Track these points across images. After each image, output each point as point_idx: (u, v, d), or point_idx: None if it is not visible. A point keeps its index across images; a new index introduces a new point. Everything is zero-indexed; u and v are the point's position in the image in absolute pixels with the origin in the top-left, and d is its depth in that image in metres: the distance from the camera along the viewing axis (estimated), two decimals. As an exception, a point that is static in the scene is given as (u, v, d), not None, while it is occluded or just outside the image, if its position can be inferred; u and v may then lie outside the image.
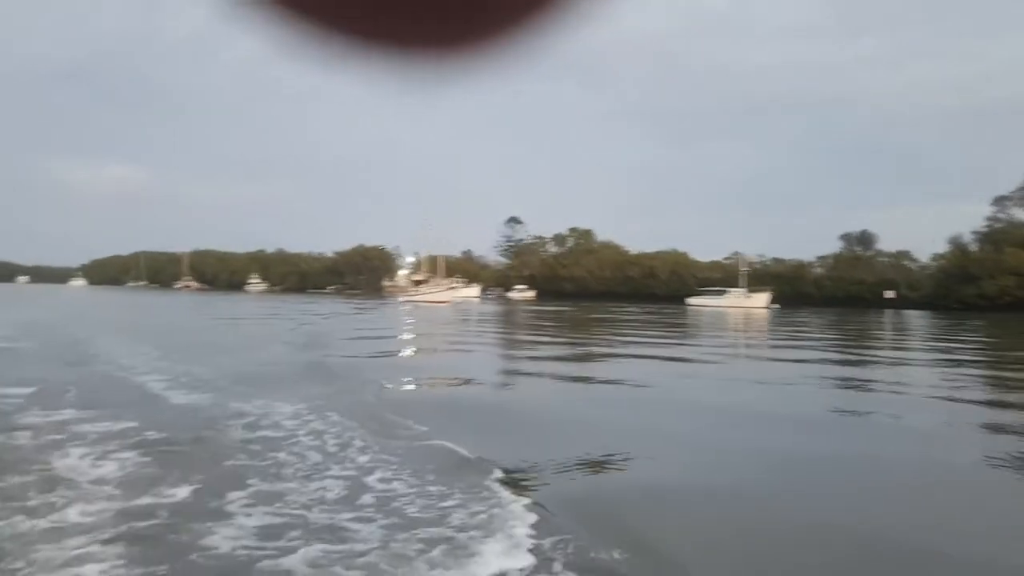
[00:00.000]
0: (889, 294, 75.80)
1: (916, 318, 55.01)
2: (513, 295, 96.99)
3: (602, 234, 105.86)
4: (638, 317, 43.91)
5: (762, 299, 68.46)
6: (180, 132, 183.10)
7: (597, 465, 6.40)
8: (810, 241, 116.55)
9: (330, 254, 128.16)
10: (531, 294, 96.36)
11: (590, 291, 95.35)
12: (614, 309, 56.70)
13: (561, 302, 75.63)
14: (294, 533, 4.35)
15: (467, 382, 12.35)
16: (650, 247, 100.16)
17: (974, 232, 78.81)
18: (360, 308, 49.46)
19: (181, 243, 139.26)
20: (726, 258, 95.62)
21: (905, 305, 74.64)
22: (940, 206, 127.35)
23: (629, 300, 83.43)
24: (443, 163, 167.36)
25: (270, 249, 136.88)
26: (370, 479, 5.58)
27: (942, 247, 79.97)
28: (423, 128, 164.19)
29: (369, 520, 4.62)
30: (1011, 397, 12.26)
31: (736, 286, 74.95)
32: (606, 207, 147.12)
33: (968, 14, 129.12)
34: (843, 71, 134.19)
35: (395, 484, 5.44)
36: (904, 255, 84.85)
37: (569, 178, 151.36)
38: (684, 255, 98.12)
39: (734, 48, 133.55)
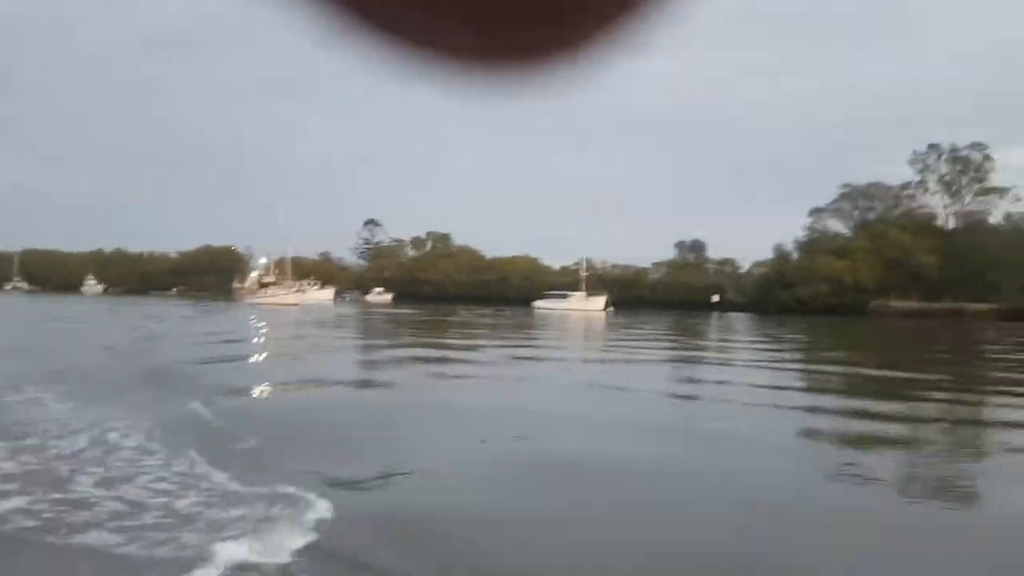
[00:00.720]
0: (715, 298, 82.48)
1: (738, 320, 60.66)
2: (371, 298, 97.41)
3: (461, 238, 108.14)
4: (482, 320, 46.10)
5: (599, 303, 72.84)
6: (15, 120, 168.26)
7: (393, 478, 6.26)
8: (659, 247, 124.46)
9: (174, 254, 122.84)
10: (388, 297, 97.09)
11: (447, 294, 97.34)
12: (463, 312, 58.98)
13: (418, 305, 77.10)
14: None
15: (270, 384, 12.59)
16: (508, 252, 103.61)
17: (796, 241, 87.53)
18: (202, 311, 48.71)
19: (12, 242, 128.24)
20: (576, 264, 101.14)
21: (730, 308, 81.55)
22: (787, 215, 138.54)
23: (484, 303, 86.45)
24: (308, 163, 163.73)
25: (109, 249, 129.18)
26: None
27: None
28: (292, 128, 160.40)
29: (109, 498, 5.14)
30: (824, 400, 12.92)
31: (592, 291, 79.49)
32: (466, 211, 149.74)
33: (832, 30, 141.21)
34: (692, 85, 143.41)
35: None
36: (728, 262, 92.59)
37: (433, 182, 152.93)
38: (536, 260, 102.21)
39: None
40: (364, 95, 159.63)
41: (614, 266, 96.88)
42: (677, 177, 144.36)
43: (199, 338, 22.89)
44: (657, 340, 29.83)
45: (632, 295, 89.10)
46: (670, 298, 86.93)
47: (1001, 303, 70.74)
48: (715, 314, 73.69)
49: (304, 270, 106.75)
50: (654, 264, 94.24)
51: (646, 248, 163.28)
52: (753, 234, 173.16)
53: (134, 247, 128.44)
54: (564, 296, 75.87)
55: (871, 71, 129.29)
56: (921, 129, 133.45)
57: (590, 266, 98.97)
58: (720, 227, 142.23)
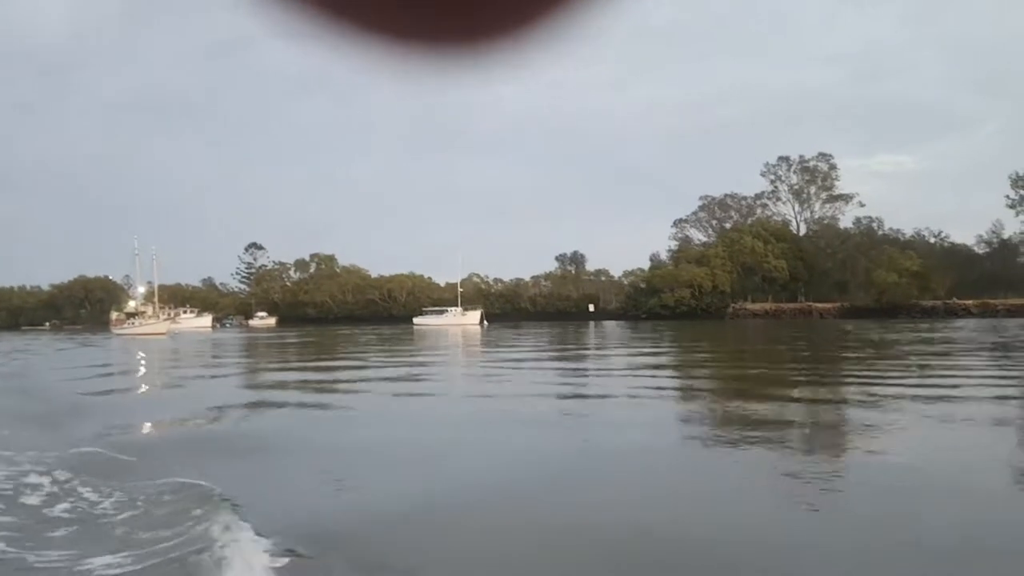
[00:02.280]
0: (591, 308, 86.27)
1: (603, 327, 64.00)
2: (254, 322, 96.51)
3: (349, 258, 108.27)
4: (362, 337, 47.15)
5: (475, 316, 75.14)
6: None
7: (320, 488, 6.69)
8: (544, 260, 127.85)
9: (47, 288, 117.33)
10: (272, 320, 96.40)
11: (332, 315, 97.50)
12: (343, 331, 59.98)
13: (301, 327, 77.31)
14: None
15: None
16: (398, 269, 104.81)
17: (669, 250, 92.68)
18: (67, 344, 47.72)
19: None
20: (464, 279, 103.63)
21: (604, 316, 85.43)
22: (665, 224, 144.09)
23: (369, 322, 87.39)
24: (191, 190, 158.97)
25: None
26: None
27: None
28: (175, 154, 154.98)
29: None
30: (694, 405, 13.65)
31: (468, 305, 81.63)
32: (354, 232, 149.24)
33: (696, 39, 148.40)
34: (575, 92, 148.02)
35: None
36: (603, 272, 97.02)
37: (318, 203, 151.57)
38: (422, 277, 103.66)
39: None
40: (247, 118, 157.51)
41: (496, 280, 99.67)
42: (563, 191, 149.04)
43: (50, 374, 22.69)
44: (512, 347, 32.11)
45: (514, 308, 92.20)
46: (550, 309, 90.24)
47: (845, 301, 77.43)
48: (591, 323, 77.20)
49: (184, 297, 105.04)
50: (532, 277, 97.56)
51: (532, 261, 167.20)
52: (635, 244, 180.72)
53: (3, 282, 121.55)
54: (442, 312, 77.94)
55: (753, 76, 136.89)
56: (792, 135, 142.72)
57: (476, 281, 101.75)
58: (603, 238, 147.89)
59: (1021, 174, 74.88)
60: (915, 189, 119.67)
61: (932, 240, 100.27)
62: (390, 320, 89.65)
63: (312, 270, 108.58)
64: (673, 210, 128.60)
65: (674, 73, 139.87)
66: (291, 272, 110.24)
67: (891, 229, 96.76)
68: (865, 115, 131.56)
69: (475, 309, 77.71)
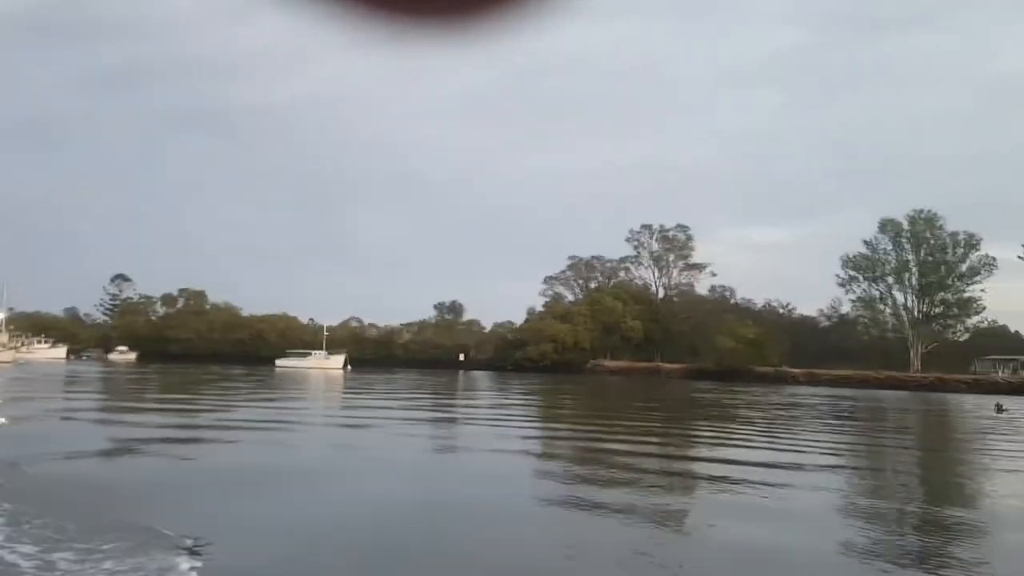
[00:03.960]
0: (462, 357, 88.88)
1: (476, 376, 66.66)
2: (113, 356, 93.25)
3: (222, 295, 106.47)
4: (209, 378, 47.45)
5: (339, 361, 76.18)
6: None
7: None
8: (424, 307, 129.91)
9: None
10: (132, 356, 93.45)
11: (198, 352, 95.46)
12: (200, 372, 59.60)
13: (163, 364, 75.75)
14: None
15: None
16: (275, 309, 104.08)
17: (544, 305, 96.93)
18: None
19: None
20: (342, 323, 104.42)
21: (474, 366, 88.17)
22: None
23: (237, 362, 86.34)
24: (59, 215, 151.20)
25: None
26: None
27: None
28: (44, 177, 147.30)
29: None
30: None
31: (333, 349, 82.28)
32: (231, 269, 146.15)
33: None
34: (464, 155, 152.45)
35: None
36: (474, 323, 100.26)
37: (192, 237, 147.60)
38: (294, 319, 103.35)
39: (380, 121, 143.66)
40: (119, 146, 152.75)
41: (371, 325, 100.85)
42: (451, 242, 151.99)
43: None
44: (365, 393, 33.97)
45: (387, 354, 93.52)
46: (422, 357, 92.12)
47: (694, 363, 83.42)
48: (460, 372, 79.68)
49: (43, 326, 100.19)
50: (405, 324, 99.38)
51: (414, 308, 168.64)
52: (517, 297, 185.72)
53: None
54: (305, 355, 78.41)
55: (643, 150, 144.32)
56: (672, 204, 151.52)
57: (354, 326, 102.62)
58: (486, 290, 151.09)
59: (851, 255, 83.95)
60: (785, 261, 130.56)
61: (781, 311, 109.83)
62: (258, 361, 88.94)
63: (180, 305, 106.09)
64: (552, 267, 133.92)
65: (568, 143, 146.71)
66: (157, 306, 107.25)
67: (743, 299, 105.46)
68: (743, 192, 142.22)
69: (339, 353, 78.59)
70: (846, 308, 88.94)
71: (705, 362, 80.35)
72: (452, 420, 23.40)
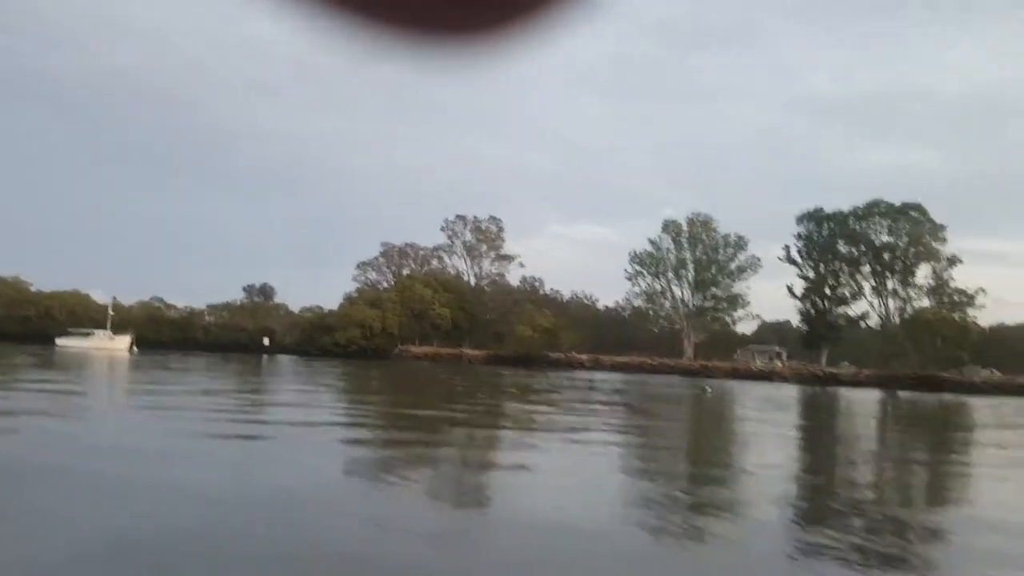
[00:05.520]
0: (266, 341, 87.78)
1: (277, 361, 66.33)
2: None
3: (13, 269, 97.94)
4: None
5: (124, 342, 73.28)
6: None
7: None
8: (232, 290, 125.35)
9: None
10: None
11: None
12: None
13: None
14: None
15: None
16: (79, 287, 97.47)
17: (358, 290, 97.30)
18: None
19: None
20: (143, 303, 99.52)
21: (279, 351, 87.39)
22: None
23: (22, 340, 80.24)
24: None
25: None
26: None
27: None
28: None
29: None
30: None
31: (129, 329, 78.67)
32: (28, 241, 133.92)
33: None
34: (308, 142, 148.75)
35: None
36: (281, 307, 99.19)
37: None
38: (86, 296, 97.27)
39: (205, 96, 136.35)
40: None
41: (168, 305, 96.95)
42: (266, 223, 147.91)
43: None
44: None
45: (185, 336, 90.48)
46: (224, 340, 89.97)
47: (500, 350, 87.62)
48: (264, 356, 78.75)
49: None
50: (208, 306, 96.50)
51: (225, 290, 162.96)
52: (333, 283, 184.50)
53: None
54: (88, 334, 74.63)
55: (481, 148, 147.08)
56: (507, 200, 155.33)
57: (157, 306, 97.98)
58: (303, 275, 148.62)
59: (637, 252, 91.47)
60: (609, 257, 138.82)
61: (586, 302, 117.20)
62: (46, 340, 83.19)
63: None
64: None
65: (411, 136, 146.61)
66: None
67: (552, 290, 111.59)
68: (571, 189, 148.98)
69: (125, 334, 75.44)
70: (639, 301, 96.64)
71: (505, 349, 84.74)
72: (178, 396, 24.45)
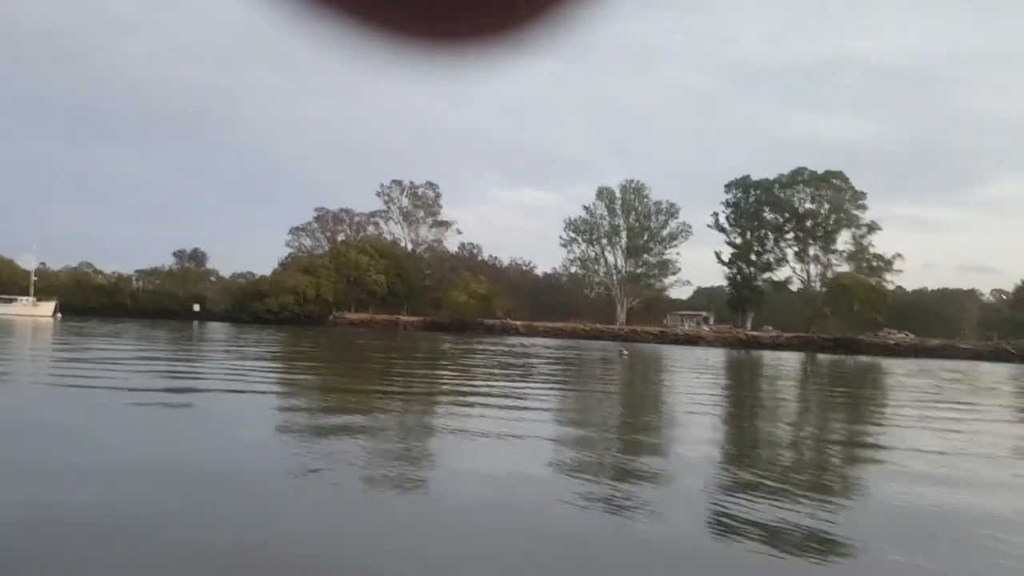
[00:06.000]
0: (196, 307, 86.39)
1: (213, 329, 65.27)
2: None
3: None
4: None
5: (48, 308, 71.52)
6: None
7: None
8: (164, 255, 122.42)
9: None
10: None
11: None
12: None
13: None
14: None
15: None
16: (7, 252, 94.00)
17: (291, 256, 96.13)
18: None
19: None
20: (70, 268, 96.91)
21: (211, 317, 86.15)
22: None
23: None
24: None
25: None
26: None
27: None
28: None
29: None
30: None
31: (53, 296, 76.62)
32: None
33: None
34: (236, 97, 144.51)
35: None
36: (213, 272, 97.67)
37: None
38: (10, 262, 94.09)
39: (136, 56, 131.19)
40: None
41: (97, 271, 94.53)
42: (202, 186, 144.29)
43: None
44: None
45: (114, 303, 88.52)
46: (153, 307, 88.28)
47: (437, 316, 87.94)
48: (194, 323, 77.47)
49: None
50: (137, 271, 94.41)
51: (156, 255, 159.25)
52: (267, 248, 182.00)
53: None
54: (9, 301, 72.61)
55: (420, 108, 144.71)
56: (450, 164, 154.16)
57: (87, 272, 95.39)
58: (237, 240, 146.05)
59: (572, 219, 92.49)
60: (556, 223, 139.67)
61: (524, 268, 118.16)
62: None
63: None
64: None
65: (348, 92, 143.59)
66: None
67: (490, 256, 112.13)
68: (519, 156, 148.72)
69: (49, 300, 73.55)
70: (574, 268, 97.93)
71: (441, 316, 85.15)
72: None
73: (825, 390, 25.43)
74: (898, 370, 39.74)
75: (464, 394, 16.88)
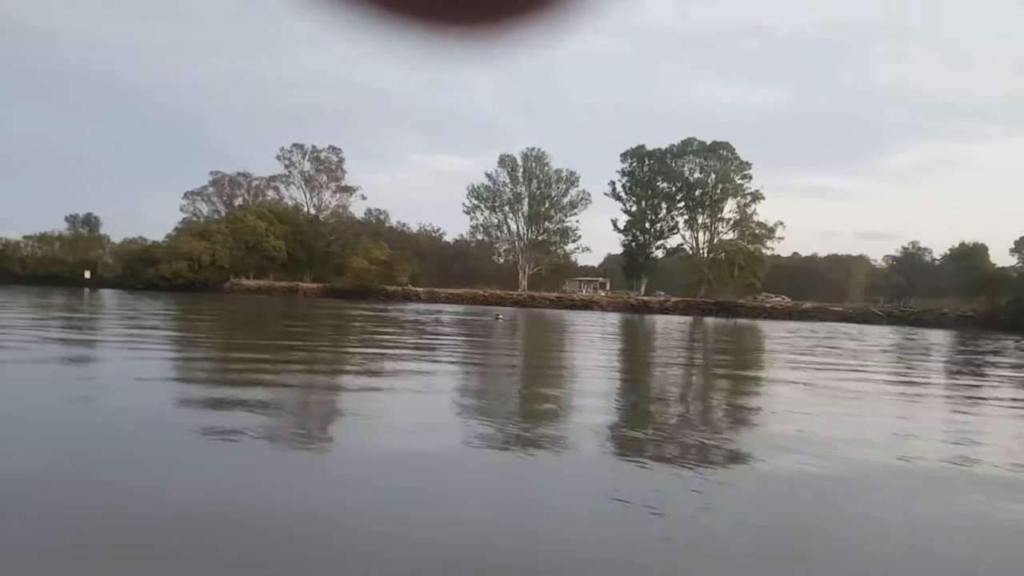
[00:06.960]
0: (87, 274, 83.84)
1: (106, 296, 63.56)
2: None
3: None
4: None
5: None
6: None
7: None
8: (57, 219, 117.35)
9: None
10: None
11: None
12: None
13: None
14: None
15: None
16: None
17: (184, 220, 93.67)
18: None
19: None
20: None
21: (102, 284, 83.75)
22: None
23: None
24: None
25: None
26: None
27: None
28: None
29: None
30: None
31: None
32: None
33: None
34: (143, 54, 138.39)
35: None
36: (105, 238, 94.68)
37: None
38: None
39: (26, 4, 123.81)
40: None
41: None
42: (98, 147, 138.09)
43: None
44: None
45: (3, 268, 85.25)
46: (42, 273, 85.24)
47: (338, 283, 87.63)
48: (85, 290, 75.15)
49: None
50: (25, 237, 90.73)
51: (51, 219, 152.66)
52: (164, 212, 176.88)
53: None
54: None
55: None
56: (362, 128, 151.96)
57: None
58: (135, 205, 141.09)
59: (475, 185, 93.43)
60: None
61: (433, 235, 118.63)
62: None
63: None
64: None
65: (260, 49, 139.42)
66: None
67: (398, 223, 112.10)
68: (433, 120, 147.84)
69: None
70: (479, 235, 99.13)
71: (343, 282, 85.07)
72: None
73: (657, 345, 27.53)
74: (769, 330, 42.62)
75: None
